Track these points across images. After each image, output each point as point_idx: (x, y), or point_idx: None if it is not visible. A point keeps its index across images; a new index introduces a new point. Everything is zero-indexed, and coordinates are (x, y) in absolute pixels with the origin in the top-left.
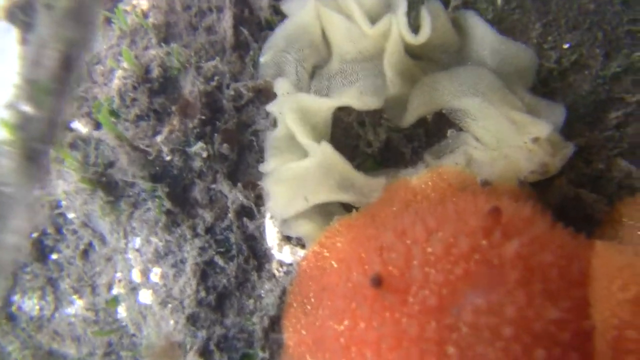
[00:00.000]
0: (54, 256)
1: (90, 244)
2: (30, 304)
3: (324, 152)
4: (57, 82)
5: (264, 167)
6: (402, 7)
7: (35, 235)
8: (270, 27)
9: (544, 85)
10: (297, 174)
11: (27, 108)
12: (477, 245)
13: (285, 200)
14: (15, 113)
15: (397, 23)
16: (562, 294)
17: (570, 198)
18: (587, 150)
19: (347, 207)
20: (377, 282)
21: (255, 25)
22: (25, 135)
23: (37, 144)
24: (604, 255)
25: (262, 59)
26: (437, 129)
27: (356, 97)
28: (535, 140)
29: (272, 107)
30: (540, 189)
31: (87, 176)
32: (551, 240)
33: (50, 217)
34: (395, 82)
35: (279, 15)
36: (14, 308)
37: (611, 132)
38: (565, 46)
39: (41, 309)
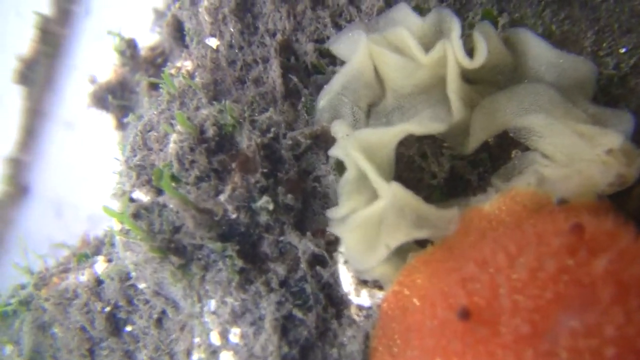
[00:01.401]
0: (129, 328)
1: (163, 312)
2: None
3: (395, 193)
4: None
5: (336, 213)
6: (455, 31)
7: (107, 309)
8: (318, 70)
9: (605, 93)
10: (370, 220)
11: None
12: (563, 265)
13: (362, 248)
14: None
15: (453, 48)
16: None
17: None
18: None
19: (420, 242)
20: (465, 314)
21: (303, 71)
22: None
23: None
24: None
25: (319, 105)
26: (501, 151)
27: (418, 123)
28: (609, 151)
29: (336, 151)
30: (619, 200)
31: (155, 244)
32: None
33: (121, 289)
34: (459, 108)
35: (325, 57)
36: None
37: None
38: (622, 50)
39: None
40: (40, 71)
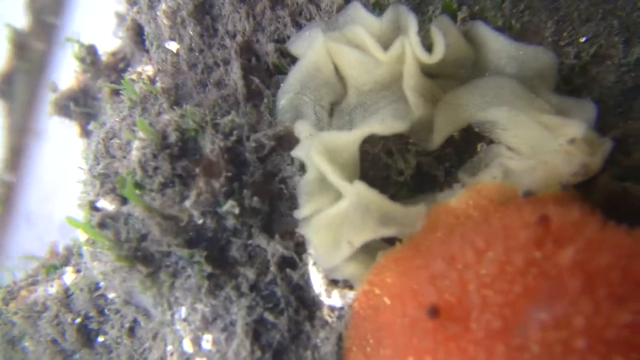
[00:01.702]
0: (101, 339)
1: (135, 321)
2: None
3: (359, 192)
4: None
5: (299, 214)
6: (412, 27)
7: (78, 320)
8: (280, 71)
9: (567, 83)
10: (335, 220)
11: None
12: (531, 258)
13: (328, 249)
14: None
15: (410, 44)
16: (628, 295)
17: (617, 194)
18: (624, 141)
19: (389, 240)
20: (434, 312)
21: (265, 72)
22: None
23: None
24: None
25: (279, 105)
26: (467, 145)
27: (380, 123)
28: (572, 141)
29: (297, 152)
30: (584, 190)
31: (122, 253)
32: (606, 241)
33: (91, 299)
34: (417, 104)
35: (287, 57)
36: None
37: None
38: (582, 40)
39: None
40: (19, 87)
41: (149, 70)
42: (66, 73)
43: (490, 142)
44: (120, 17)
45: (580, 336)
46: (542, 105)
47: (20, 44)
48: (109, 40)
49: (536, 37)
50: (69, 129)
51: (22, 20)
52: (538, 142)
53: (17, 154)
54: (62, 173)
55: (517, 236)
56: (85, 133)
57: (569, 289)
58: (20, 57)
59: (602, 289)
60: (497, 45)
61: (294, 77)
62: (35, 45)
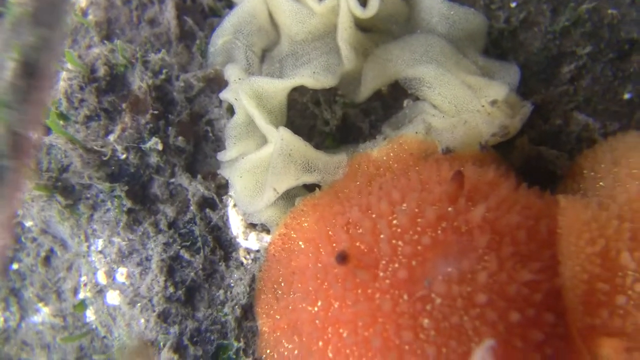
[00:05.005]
0: (15, 266)
1: (51, 250)
2: None
3: (283, 137)
4: (17, 92)
5: (224, 156)
6: None
7: None
8: (215, 14)
9: (496, 46)
10: (259, 164)
11: None
12: (443, 213)
13: (250, 193)
14: None
15: None
16: (532, 254)
17: (533, 157)
18: (544, 106)
19: (309, 188)
20: (343, 258)
21: (199, 14)
22: None
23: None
24: (569, 210)
25: (211, 48)
26: (394, 100)
27: (311, 76)
28: (493, 102)
29: (226, 94)
30: (504, 151)
31: (41, 183)
32: (517, 202)
33: None
34: (349, 57)
35: (222, 1)
36: None
37: (566, 87)
38: (513, 5)
39: (6, 321)
40: None
41: (81, 1)
42: None
43: (417, 99)
44: None
45: (482, 291)
46: (469, 66)
47: None
48: None
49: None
50: None
51: None
52: (461, 102)
53: None
54: None
55: (432, 190)
56: None
57: (476, 245)
58: None
59: (508, 248)
60: (430, 3)
61: (230, 21)
62: None
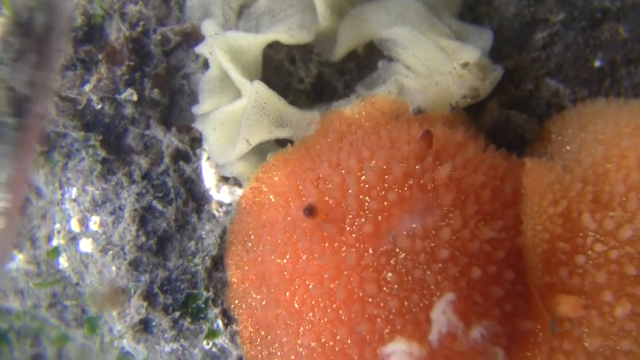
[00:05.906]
0: None
1: (26, 198)
2: None
3: (258, 90)
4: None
5: (197, 109)
6: None
7: None
8: None
9: (471, 11)
10: (233, 116)
11: None
12: (410, 170)
13: (224, 144)
14: None
15: None
16: (495, 213)
17: (502, 120)
18: (516, 72)
19: (281, 144)
20: (311, 211)
21: None
22: None
23: None
24: (534, 172)
25: (188, 2)
26: (369, 61)
27: (285, 31)
28: (465, 65)
29: (201, 49)
30: (474, 114)
31: None
32: (483, 162)
33: None
34: (325, 15)
35: None
36: None
37: (538, 53)
38: None
39: None
40: None
41: None
42: None
43: (391, 60)
44: None
45: (445, 247)
46: (443, 29)
47: None
48: None
49: None
50: None
51: None
52: (434, 64)
53: None
54: None
55: (400, 149)
56: None
57: (441, 202)
58: None
59: (472, 206)
60: None
61: None
62: None
